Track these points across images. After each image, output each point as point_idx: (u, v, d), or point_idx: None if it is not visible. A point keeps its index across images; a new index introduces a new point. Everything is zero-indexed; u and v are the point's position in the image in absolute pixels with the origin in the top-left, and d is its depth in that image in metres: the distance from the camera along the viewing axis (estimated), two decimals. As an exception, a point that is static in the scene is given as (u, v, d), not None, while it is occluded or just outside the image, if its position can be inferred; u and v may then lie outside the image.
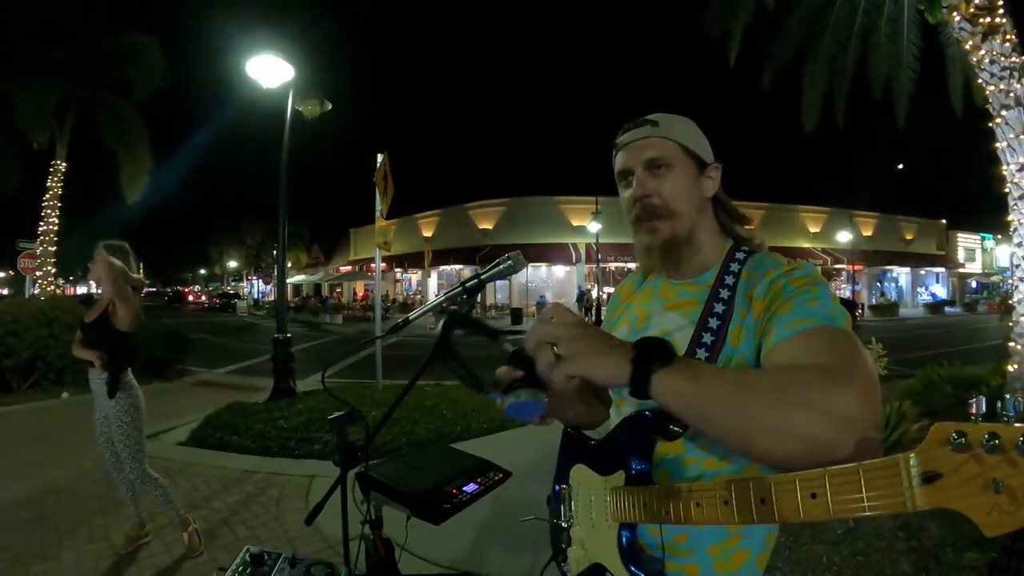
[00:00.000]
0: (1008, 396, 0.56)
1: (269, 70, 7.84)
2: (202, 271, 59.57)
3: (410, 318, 1.26)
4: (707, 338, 1.00)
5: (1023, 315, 5.22)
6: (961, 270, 40.01)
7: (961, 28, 5.20)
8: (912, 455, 0.61)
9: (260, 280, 51.82)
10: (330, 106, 8.74)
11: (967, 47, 5.19)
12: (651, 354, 0.76)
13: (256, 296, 50.03)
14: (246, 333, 21.80)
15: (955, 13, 5.20)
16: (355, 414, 1.42)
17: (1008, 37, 5.02)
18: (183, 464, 4.91)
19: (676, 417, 0.95)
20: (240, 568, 1.22)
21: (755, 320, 0.97)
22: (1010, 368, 5.32)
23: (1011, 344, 5.31)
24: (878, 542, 3.23)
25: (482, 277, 1.18)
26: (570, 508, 1.16)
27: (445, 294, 1.22)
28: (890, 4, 7.17)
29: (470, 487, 1.48)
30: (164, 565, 3.20)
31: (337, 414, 1.40)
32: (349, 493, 1.32)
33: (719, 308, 1.03)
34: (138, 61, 12.21)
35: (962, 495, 0.58)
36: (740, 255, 1.10)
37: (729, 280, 1.06)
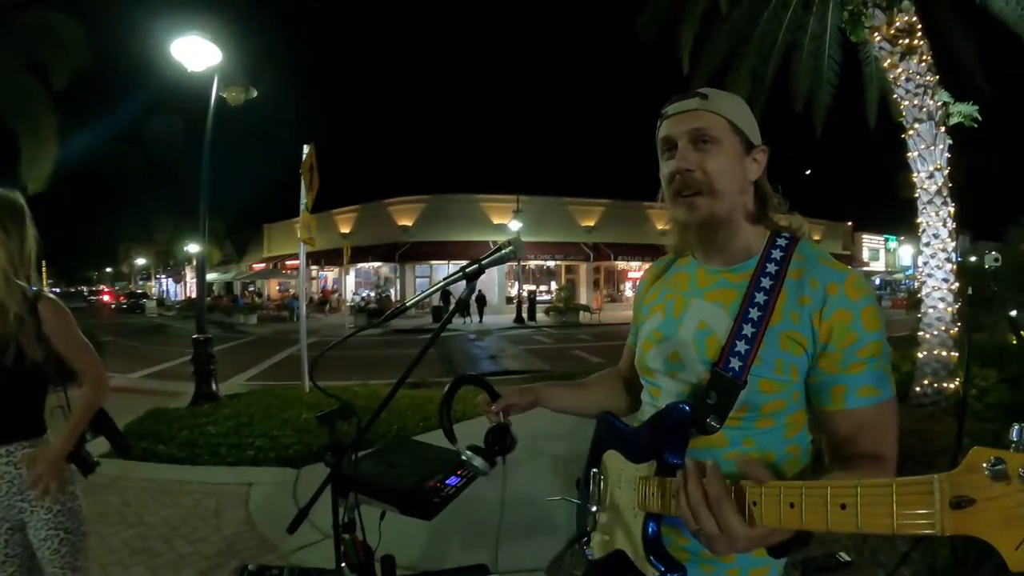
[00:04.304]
0: None
1: (193, 54, 7.30)
2: (108, 269, 55.41)
3: (407, 304, 1.28)
4: (747, 329, 0.99)
5: (931, 307, 5.67)
6: (866, 268, 42.83)
7: (881, 48, 5.62)
8: (946, 476, 0.59)
9: (171, 279, 48.77)
10: (256, 93, 8.35)
11: (886, 65, 5.62)
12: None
13: (165, 295, 46.98)
14: (157, 335, 20.54)
15: (876, 33, 5.62)
16: (347, 410, 1.37)
17: (924, 58, 5.46)
18: (108, 478, 4.48)
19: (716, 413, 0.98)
20: None
21: (812, 338, 0.98)
22: (919, 355, 5.78)
23: (920, 333, 5.77)
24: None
25: (482, 263, 1.19)
26: (599, 493, 1.15)
27: (445, 279, 1.25)
28: (814, 22, 7.60)
29: (453, 480, 1.44)
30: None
31: (326, 411, 1.35)
32: (322, 495, 1.27)
33: (760, 298, 1.00)
34: (52, 41, 11.10)
35: (993, 525, 0.56)
36: (782, 241, 1.06)
37: (771, 268, 1.03)
